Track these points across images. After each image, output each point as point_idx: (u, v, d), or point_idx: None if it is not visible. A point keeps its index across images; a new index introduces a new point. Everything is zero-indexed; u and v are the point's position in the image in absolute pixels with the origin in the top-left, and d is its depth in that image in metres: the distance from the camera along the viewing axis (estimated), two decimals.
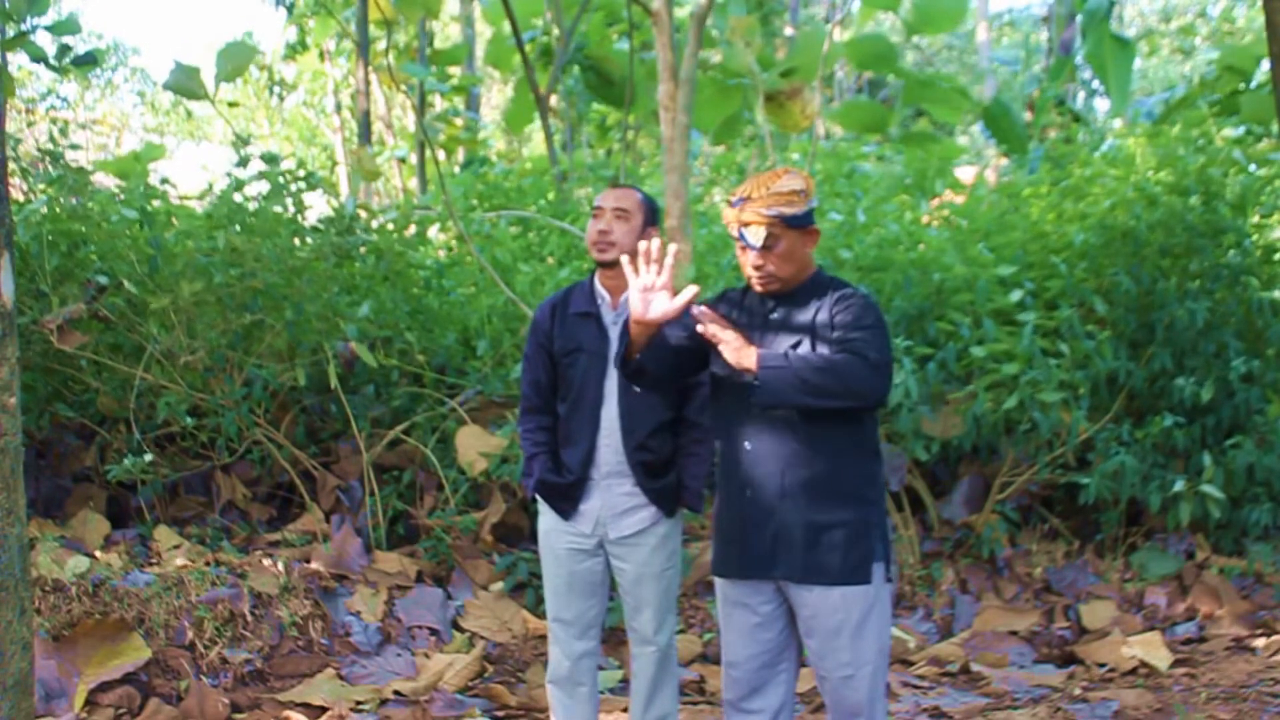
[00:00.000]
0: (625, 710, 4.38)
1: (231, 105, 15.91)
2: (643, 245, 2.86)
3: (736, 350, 2.75)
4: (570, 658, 3.47)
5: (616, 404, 3.34)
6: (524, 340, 3.64)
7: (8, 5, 7.67)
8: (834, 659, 2.83)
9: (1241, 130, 6.70)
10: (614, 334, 3.36)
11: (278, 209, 5.68)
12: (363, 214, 6.04)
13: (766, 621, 2.91)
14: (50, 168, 5.61)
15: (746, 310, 2.95)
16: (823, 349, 2.79)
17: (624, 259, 2.92)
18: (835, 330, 2.80)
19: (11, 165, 6.06)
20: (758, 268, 2.86)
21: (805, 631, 2.88)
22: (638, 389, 3.30)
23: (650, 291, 2.80)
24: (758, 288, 2.89)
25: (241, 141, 5.79)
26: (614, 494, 3.38)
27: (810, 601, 2.83)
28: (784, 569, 2.83)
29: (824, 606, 2.82)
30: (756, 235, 2.82)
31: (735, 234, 2.87)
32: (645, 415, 3.35)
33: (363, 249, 5.95)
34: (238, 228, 5.53)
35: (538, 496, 3.47)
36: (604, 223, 3.35)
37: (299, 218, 5.82)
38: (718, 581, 2.99)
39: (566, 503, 3.40)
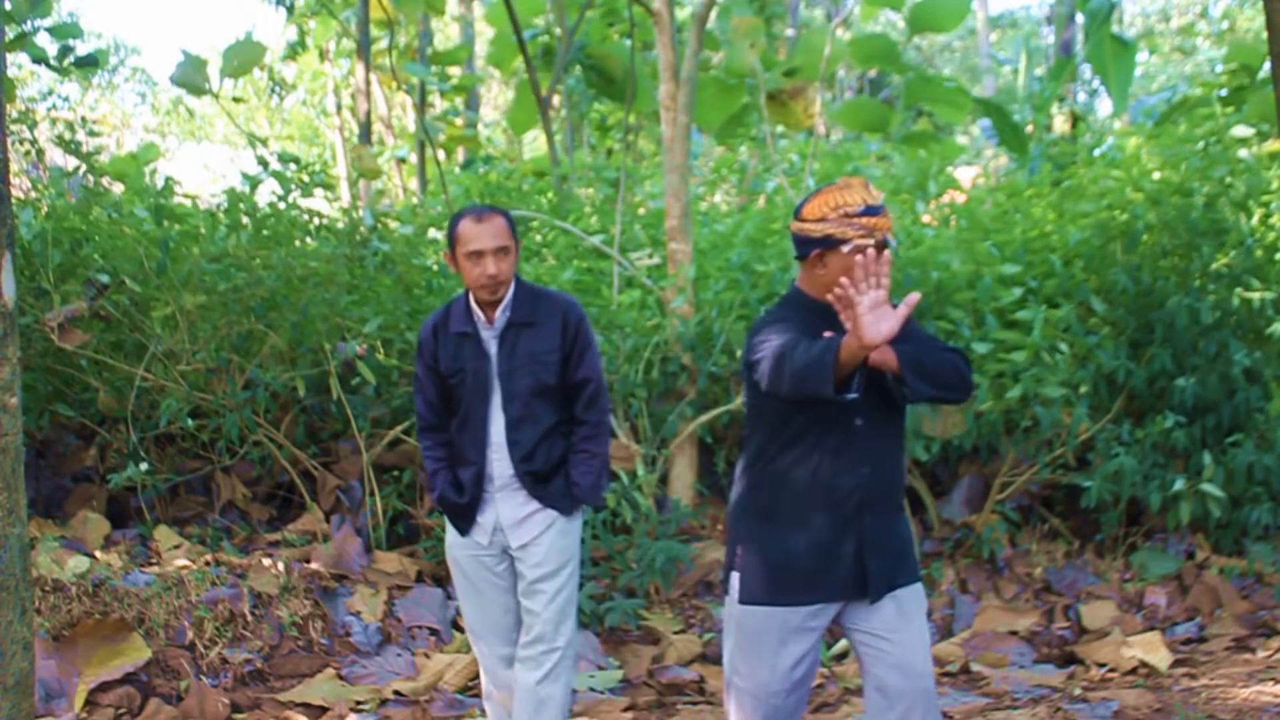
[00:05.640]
0: (624, 710, 4.39)
1: (237, 100, 15.87)
2: (859, 258, 2.57)
3: (882, 350, 2.69)
4: (498, 665, 3.51)
5: (503, 419, 3.32)
6: None
7: (9, 7, 7.67)
8: (921, 644, 2.86)
9: (1247, 129, 6.69)
10: (493, 350, 3.33)
11: (294, 212, 5.71)
12: (378, 224, 6.06)
13: (818, 641, 2.89)
14: (67, 152, 5.65)
15: (807, 316, 2.86)
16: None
17: (844, 280, 2.57)
18: (908, 332, 2.81)
19: (15, 166, 6.08)
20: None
21: (890, 630, 2.83)
22: (518, 401, 3.28)
23: (880, 307, 2.51)
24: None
25: (257, 140, 5.82)
26: (509, 505, 3.37)
27: (907, 600, 2.86)
28: (905, 577, 2.86)
29: (914, 601, 2.88)
30: (893, 239, 2.80)
31: (876, 241, 2.75)
32: (529, 428, 3.33)
33: (369, 255, 5.96)
34: (247, 232, 5.55)
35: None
36: (490, 266, 3.25)
37: (312, 221, 5.84)
38: (770, 611, 2.84)
39: (464, 520, 3.41)
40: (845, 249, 2.75)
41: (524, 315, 3.35)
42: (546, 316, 3.36)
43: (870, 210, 2.75)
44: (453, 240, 3.32)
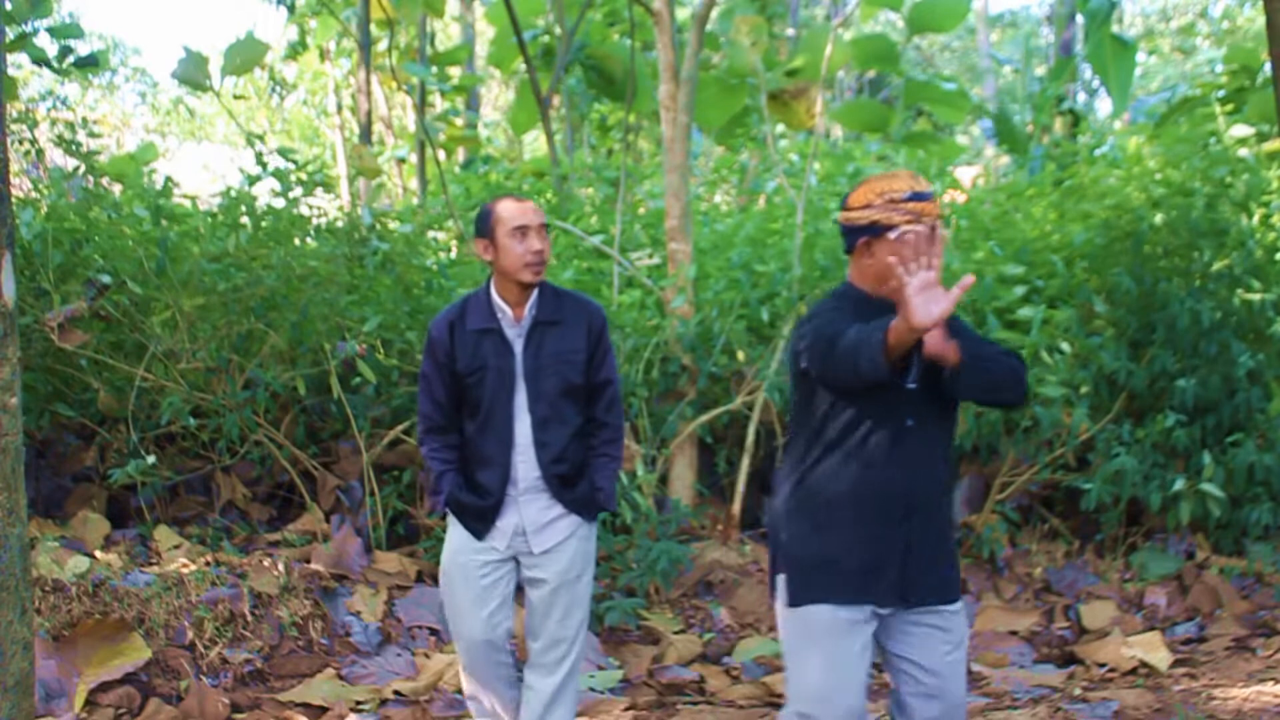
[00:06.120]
0: (624, 710, 4.39)
1: (238, 98, 15.87)
2: (909, 237, 2.48)
3: (943, 340, 2.60)
4: (493, 673, 3.38)
5: (529, 419, 3.25)
6: None
7: (9, 7, 7.68)
8: (961, 675, 2.77)
9: (1248, 129, 6.69)
10: (519, 348, 3.26)
11: (295, 210, 5.72)
12: (377, 223, 6.07)
13: (870, 650, 2.80)
14: (68, 153, 5.67)
15: (858, 309, 2.73)
16: None
17: (891, 259, 2.48)
18: (963, 335, 2.73)
19: (15, 166, 6.09)
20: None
21: (929, 658, 2.75)
22: (544, 401, 3.20)
23: (930, 288, 2.37)
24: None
25: (256, 138, 5.84)
26: (533, 509, 3.29)
27: (950, 626, 2.77)
28: (948, 595, 2.77)
29: (957, 629, 2.78)
30: (943, 229, 2.73)
31: (924, 226, 2.66)
32: (558, 427, 3.27)
33: (369, 254, 5.97)
34: (247, 232, 5.55)
35: (448, 513, 3.37)
36: (536, 241, 3.20)
37: (312, 221, 5.85)
38: (820, 609, 2.72)
39: (483, 523, 3.30)
40: (892, 235, 2.65)
41: (549, 314, 3.29)
42: (571, 316, 3.30)
43: (918, 196, 2.67)
44: (490, 223, 3.24)
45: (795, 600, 2.76)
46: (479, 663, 3.38)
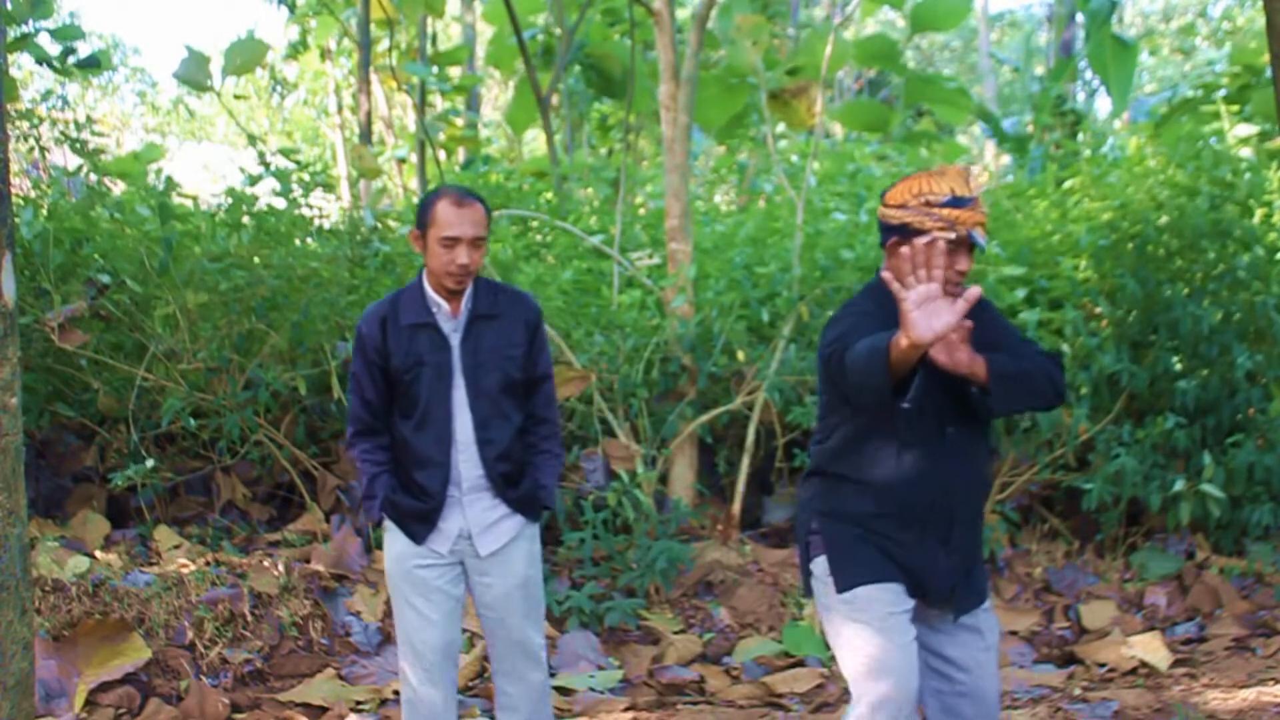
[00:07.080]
0: (624, 710, 4.39)
1: (239, 98, 15.85)
2: (904, 249, 2.36)
3: (970, 356, 2.52)
4: (437, 691, 3.20)
5: (469, 416, 3.12)
6: None
7: (10, 7, 7.69)
8: (996, 676, 2.73)
9: (1251, 129, 6.68)
10: (455, 342, 3.14)
11: (297, 210, 5.72)
12: (379, 225, 6.07)
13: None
14: (73, 151, 5.68)
15: (888, 308, 2.59)
16: None
17: (886, 275, 2.41)
18: (998, 336, 2.66)
19: (15, 166, 6.10)
20: (963, 272, 2.58)
21: (970, 660, 2.70)
22: (485, 397, 3.09)
23: (932, 301, 2.28)
24: (946, 291, 2.43)
25: (256, 139, 5.86)
26: (477, 509, 3.16)
27: (986, 630, 2.74)
28: (982, 598, 2.73)
29: (992, 631, 2.75)
30: (982, 236, 2.57)
31: (959, 236, 2.56)
32: (501, 424, 3.15)
33: (370, 255, 5.98)
34: (248, 232, 5.56)
35: (385, 518, 3.21)
36: (464, 255, 3.05)
37: (313, 221, 5.86)
38: (877, 589, 2.63)
39: (424, 525, 3.15)
40: (921, 241, 2.44)
41: (486, 308, 3.18)
42: (508, 311, 3.20)
43: (956, 201, 2.55)
44: (426, 221, 3.09)
45: (850, 582, 2.65)
46: (436, 677, 3.20)
